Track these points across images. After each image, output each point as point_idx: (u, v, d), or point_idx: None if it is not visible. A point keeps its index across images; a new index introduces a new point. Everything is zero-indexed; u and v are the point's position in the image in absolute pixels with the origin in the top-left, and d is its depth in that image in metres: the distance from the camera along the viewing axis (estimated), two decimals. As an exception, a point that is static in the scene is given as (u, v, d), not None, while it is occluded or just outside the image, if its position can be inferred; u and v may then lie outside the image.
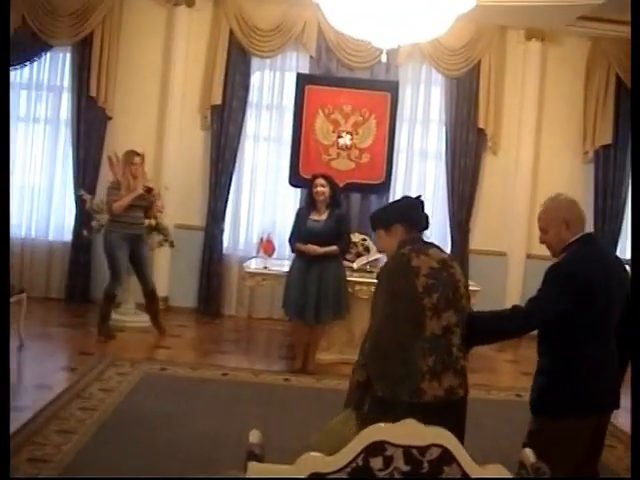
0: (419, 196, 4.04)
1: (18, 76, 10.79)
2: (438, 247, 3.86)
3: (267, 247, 8.87)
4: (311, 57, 10.55)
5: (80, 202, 10.14)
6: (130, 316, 9.43)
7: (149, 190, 8.77)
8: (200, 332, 9.61)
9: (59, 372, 7.35)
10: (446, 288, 3.64)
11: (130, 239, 8.72)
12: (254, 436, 2.82)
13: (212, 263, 10.46)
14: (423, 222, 3.93)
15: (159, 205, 9.04)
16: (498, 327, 3.92)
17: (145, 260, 8.96)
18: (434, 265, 3.67)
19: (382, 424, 2.52)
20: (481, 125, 10.59)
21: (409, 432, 2.52)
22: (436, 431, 2.53)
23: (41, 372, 7.25)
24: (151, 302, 9.04)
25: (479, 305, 8.82)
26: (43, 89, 10.88)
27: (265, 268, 8.64)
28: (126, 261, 8.77)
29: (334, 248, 7.76)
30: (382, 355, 3.64)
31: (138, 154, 8.86)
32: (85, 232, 9.71)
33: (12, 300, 7.83)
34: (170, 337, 8.92)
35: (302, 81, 10.08)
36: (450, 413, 2.83)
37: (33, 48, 10.59)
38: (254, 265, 8.96)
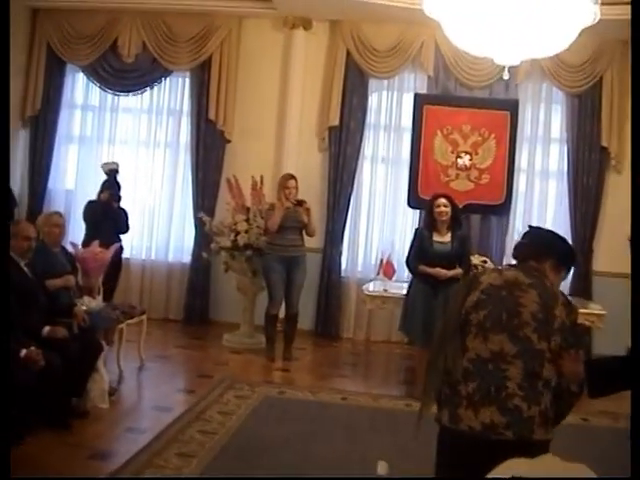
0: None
1: (139, 101, 11.06)
2: (529, 273, 3.50)
3: (387, 269, 8.75)
4: (429, 77, 10.40)
5: (199, 224, 10.23)
6: (246, 338, 9.44)
7: (300, 203, 8.71)
8: (318, 355, 9.52)
9: (178, 394, 7.38)
10: (498, 307, 3.38)
11: (285, 261, 8.72)
12: (382, 468, 2.72)
13: (330, 285, 10.38)
14: (514, 251, 3.73)
15: (313, 225, 8.91)
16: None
17: (296, 283, 8.83)
18: (496, 282, 3.46)
19: (520, 459, 2.38)
20: (604, 143, 10.23)
21: (549, 467, 2.37)
22: (578, 467, 2.38)
23: (160, 394, 7.28)
24: (290, 326, 8.98)
25: (604, 328, 8.61)
26: (163, 113, 11.08)
27: (385, 291, 8.49)
28: (280, 283, 8.77)
29: (459, 271, 7.60)
30: (431, 370, 3.53)
31: (293, 177, 8.86)
32: (205, 254, 9.79)
33: (133, 321, 7.97)
34: (286, 359, 8.85)
35: (420, 101, 9.95)
36: (487, 454, 2.47)
37: (153, 73, 10.86)
38: (374, 287, 8.82)
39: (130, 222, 9.97)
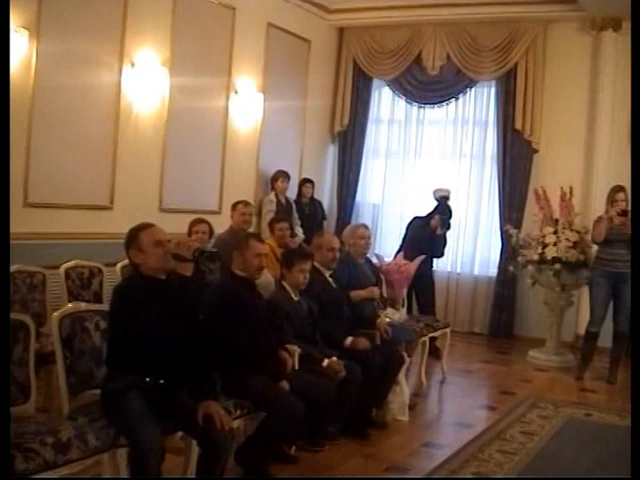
0: None
1: (444, 113, 11.10)
2: None
3: None
4: None
5: (506, 237, 10.01)
6: (552, 355, 9.08)
7: (624, 213, 8.15)
8: (629, 375, 8.92)
9: (479, 410, 7.19)
10: None
11: (611, 277, 8.26)
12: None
13: (640, 302, 9.71)
14: None
15: None
16: None
17: (623, 301, 8.20)
18: None
19: None
20: None
21: None
22: None
23: (461, 409, 7.16)
24: (616, 346, 8.45)
25: None
26: (469, 124, 11.02)
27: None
28: (602, 300, 8.34)
29: None
30: None
31: (622, 189, 8.33)
32: (511, 268, 9.54)
33: (437, 334, 7.91)
34: (596, 380, 8.39)
35: None
36: None
37: (458, 84, 10.88)
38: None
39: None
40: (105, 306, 4.63)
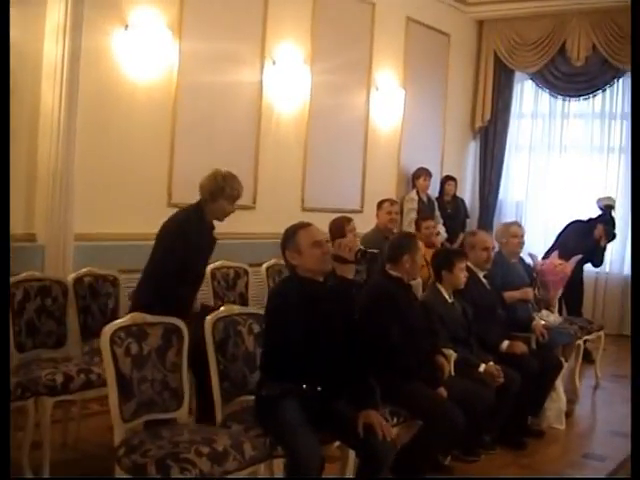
0: None
1: (590, 105, 10.82)
2: None
3: None
4: None
5: (656, 234, 9.53)
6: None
7: None
8: None
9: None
10: None
11: None
12: None
13: None
14: None
15: None
16: None
17: None
18: None
19: None
20: None
21: None
22: None
23: (617, 417, 6.74)
24: None
25: None
26: (616, 117, 10.71)
27: None
28: None
29: None
30: None
31: None
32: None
33: (591, 337, 7.57)
34: None
35: None
36: None
37: (604, 76, 10.55)
38: None
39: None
40: (258, 309, 4.52)
